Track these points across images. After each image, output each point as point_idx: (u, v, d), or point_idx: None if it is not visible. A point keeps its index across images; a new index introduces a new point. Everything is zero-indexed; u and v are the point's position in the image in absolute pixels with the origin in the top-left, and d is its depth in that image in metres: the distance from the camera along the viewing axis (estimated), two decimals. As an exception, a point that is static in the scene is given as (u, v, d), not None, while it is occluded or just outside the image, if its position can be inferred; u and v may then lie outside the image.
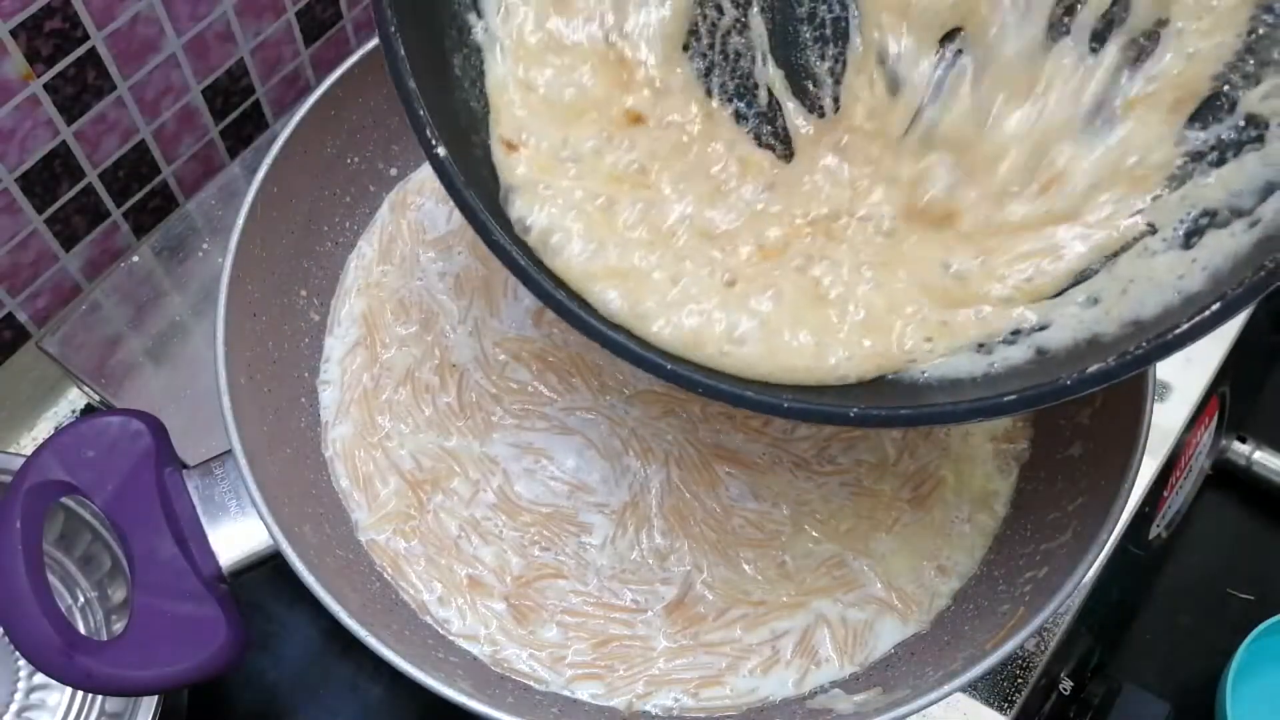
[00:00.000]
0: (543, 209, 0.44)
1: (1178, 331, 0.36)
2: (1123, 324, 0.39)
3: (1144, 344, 0.37)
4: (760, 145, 0.48)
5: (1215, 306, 0.35)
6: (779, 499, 0.60)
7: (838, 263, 0.45)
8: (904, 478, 0.60)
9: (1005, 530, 0.60)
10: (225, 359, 0.53)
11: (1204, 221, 0.38)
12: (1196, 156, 0.40)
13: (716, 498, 0.60)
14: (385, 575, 0.58)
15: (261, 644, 0.69)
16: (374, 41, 0.61)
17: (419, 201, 0.67)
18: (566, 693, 0.55)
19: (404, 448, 0.60)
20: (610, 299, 0.43)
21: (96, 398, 0.72)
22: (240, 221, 0.56)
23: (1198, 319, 0.36)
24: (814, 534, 0.59)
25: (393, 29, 0.41)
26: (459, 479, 0.60)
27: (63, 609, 0.53)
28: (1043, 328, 0.41)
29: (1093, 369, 0.37)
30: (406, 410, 0.61)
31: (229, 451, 0.52)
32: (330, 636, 0.70)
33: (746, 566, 0.58)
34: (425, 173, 0.68)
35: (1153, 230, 0.40)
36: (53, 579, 0.65)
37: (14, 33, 0.61)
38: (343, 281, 0.65)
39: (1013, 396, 0.38)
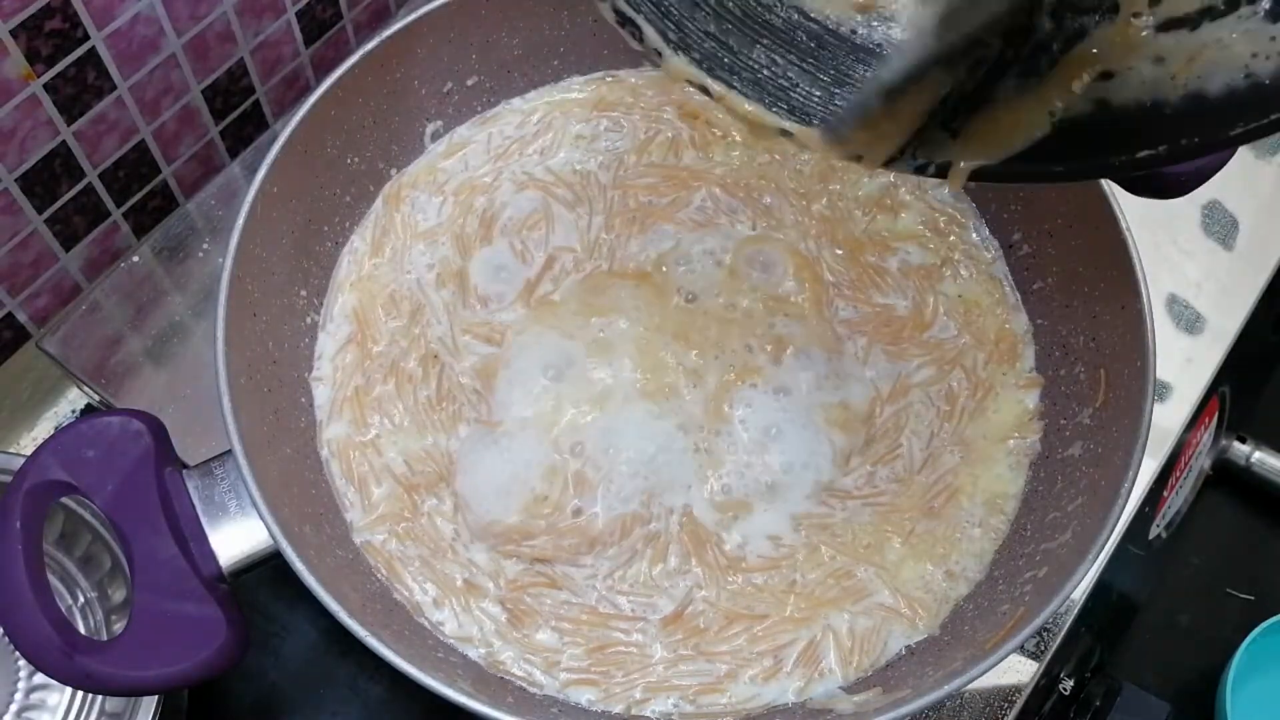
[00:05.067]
0: None
1: (1232, 133, 0.36)
2: (1186, 96, 0.38)
3: (1195, 139, 0.37)
4: None
5: (1274, 116, 0.35)
6: (799, 524, 0.59)
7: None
8: (924, 488, 0.60)
9: (1009, 531, 0.60)
10: (225, 359, 0.53)
11: None
12: None
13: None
14: (381, 576, 0.58)
15: (261, 644, 0.69)
16: (374, 41, 0.61)
17: (413, 195, 0.67)
18: (562, 697, 0.55)
19: (394, 447, 0.60)
20: None
21: (96, 398, 0.72)
22: (240, 221, 0.56)
23: (1255, 125, 0.36)
24: (830, 552, 0.59)
25: None
26: (443, 483, 0.60)
27: (63, 609, 0.53)
28: (1107, 75, 0.39)
29: (1142, 154, 0.38)
30: (393, 406, 0.61)
31: (229, 451, 0.52)
32: (330, 636, 0.70)
33: (754, 585, 0.58)
34: (420, 165, 0.68)
35: None
36: (53, 579, 0.65)
37: (14, 33, 0.61)
38: (335, 276, 0.65)
39: (1060, 168, 0.39)
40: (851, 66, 0.43)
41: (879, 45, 0.43)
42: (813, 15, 0.43)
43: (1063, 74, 0.40)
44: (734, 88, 0.42)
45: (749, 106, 0.42)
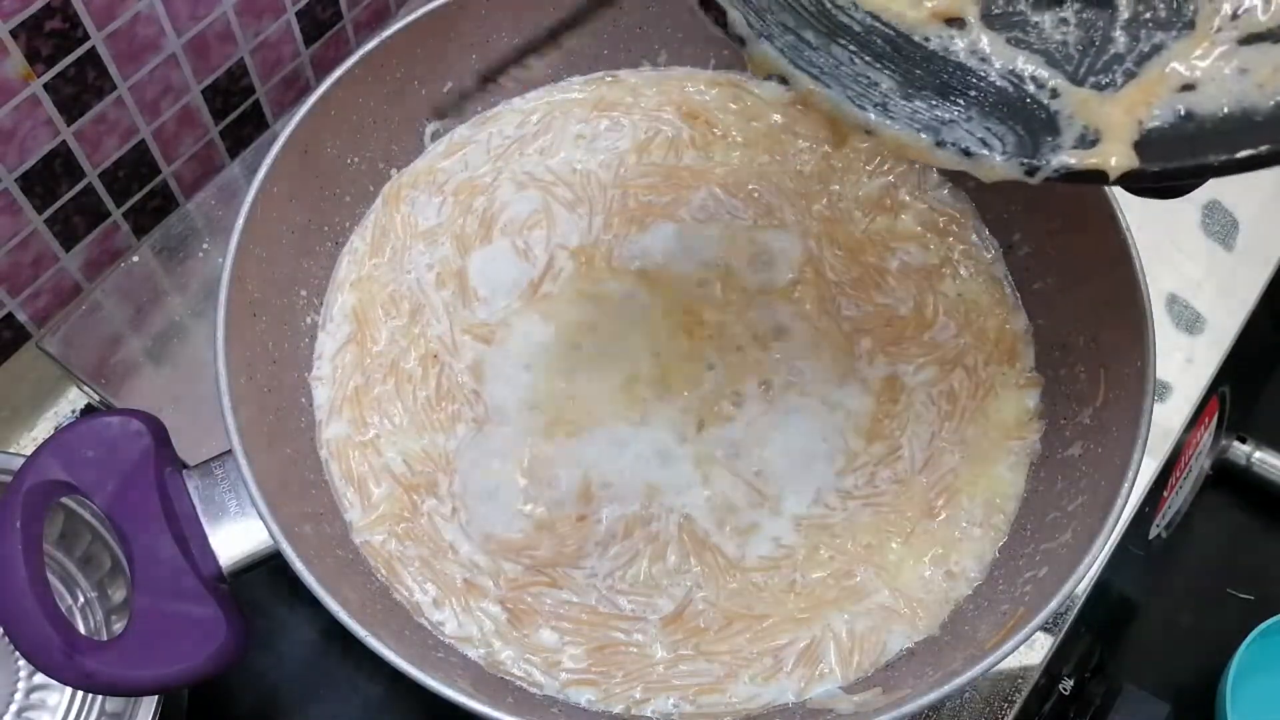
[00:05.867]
0: None
1: None
2: (1277, 103, 0.38)
3: None
4: None
5: None
6: (799, 525, 0.59)
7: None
8: (925, 488, 0.60)
9: (1009, 531, 0.60)
10: (225, 359, 0.53)
11: None
12: None
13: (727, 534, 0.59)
14: (380, 576, 0.58)
15: (261, 644, 0.69)
16: (374, 41, 0.61)
17: (412, 195, 0.67)
18: (562, 697, 0.55)
19: (394, 447, 0.60)
20: None
21: (96, 398, 0.72)
22: (240, 221, 0.56)
23: None
24: (830, 552, 0.59)
25: None
26: (443, 483, 0.60)
27: (63, 609, 0.53)
28: (1189, 87, 0.39)
29: (1242, 154, 0.37)
30: (392, 405, 0.61)
31: (229, 451, 0.52)
32: (330, 636, 0.70)
33: (754, 585, 0.58)
34: (419, 165, 0.68)
35: None
36: (53, 579, 0.65)
37: (14, 33, 0.61)
38: (335, 276, 0.65)
39: (1156, 168, 0.38)
40: (926, 72, 0.43)
41: (951, 53, 0.43)
42: (887, 21, 0.43)
43: (1142, 87, 0.40)
44: (819, 79, 0.42)
45: (832, 97, 0.42)
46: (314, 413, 0.61)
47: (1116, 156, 0.39)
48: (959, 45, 0.43)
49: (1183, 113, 0.39)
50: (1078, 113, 0.41)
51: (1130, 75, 0.40)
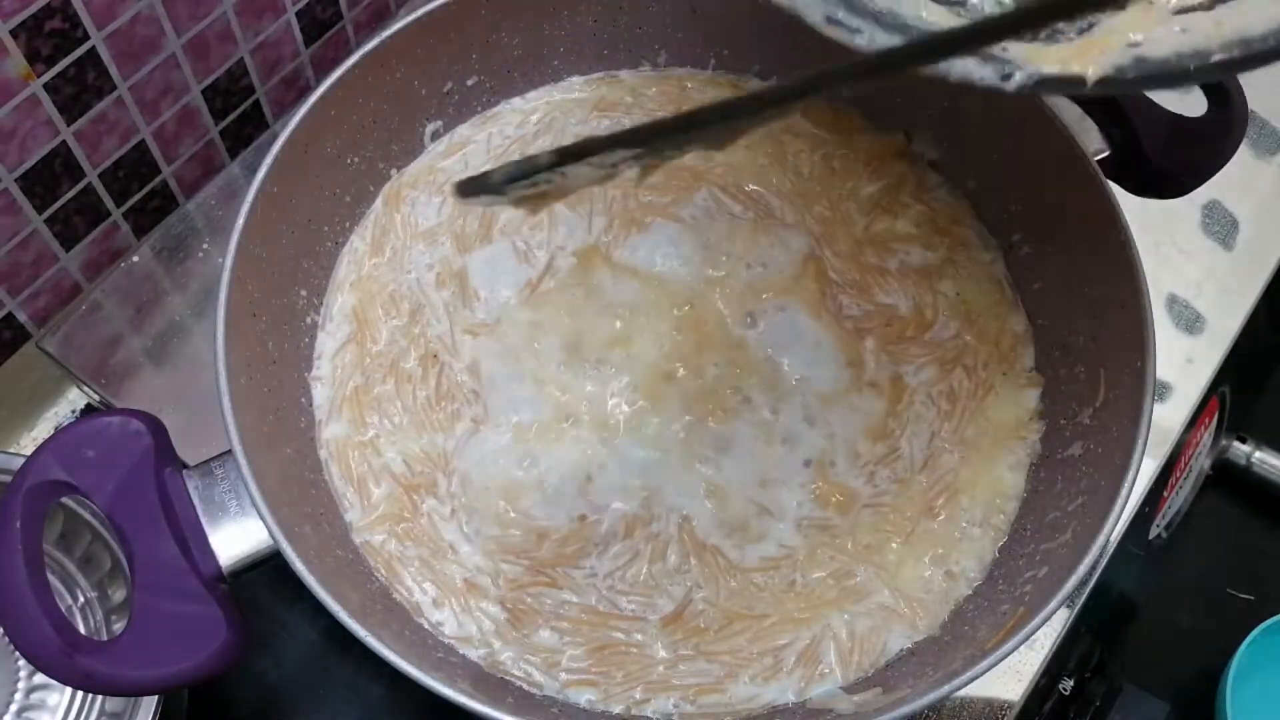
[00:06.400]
0: None
1: None
2: (1226, 43, 0.37)
3: (1271, 43, 0.36)
4: None
5: None
6: (799, 525, 0.59)
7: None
8: (925, 488, 0.60)
9: (1009, 531, 0.60)
10: (225, 359, 0.53)
11: None
12: None
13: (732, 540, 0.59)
14: (380, 576, 0.58)
15: (261, 644, 0.69)
16: (374, 41, 0.61)
17: (412, 194, 0.67)
18: (562, 698, 0.55)
19: (393, 447, 0.60)
20: None
21: (96, 398, 0.72)
22: (240, 221, 0.56)
23: None
24: (829, 552, 0.59)
25: None
26: (442, 483, 0.60)
27: (63, 609, 0.53)
28: (1135, 44, 0.39)
29: (1217, 58, 0.37)
30: (392, 405, 0.61)
31: (229, 451, 0.52)
32: (330, 636, 0.70)
33: (754, 585, 0.58)
34: (419, 165, 0.68)
35: None
36: (53, 579, 0.65)
37: (14, 33, 0.61)
38: (335, 276, 0.65)
39: (1133, 75, 0.38)
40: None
41: (896, 16, 0.43)
42: None
43: (1091, 41, 0.40)
44: None
45: None
46: (314, 413, 0.61)
47: (1093, 66, 0.39)
48: (905, 10, 0.43)
49: (1137, 57, 0.39)
50: (1030, 58, 0.40)
51: (1074, 41, 0.41)
